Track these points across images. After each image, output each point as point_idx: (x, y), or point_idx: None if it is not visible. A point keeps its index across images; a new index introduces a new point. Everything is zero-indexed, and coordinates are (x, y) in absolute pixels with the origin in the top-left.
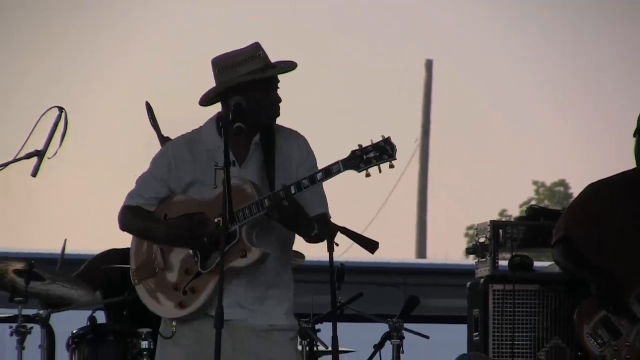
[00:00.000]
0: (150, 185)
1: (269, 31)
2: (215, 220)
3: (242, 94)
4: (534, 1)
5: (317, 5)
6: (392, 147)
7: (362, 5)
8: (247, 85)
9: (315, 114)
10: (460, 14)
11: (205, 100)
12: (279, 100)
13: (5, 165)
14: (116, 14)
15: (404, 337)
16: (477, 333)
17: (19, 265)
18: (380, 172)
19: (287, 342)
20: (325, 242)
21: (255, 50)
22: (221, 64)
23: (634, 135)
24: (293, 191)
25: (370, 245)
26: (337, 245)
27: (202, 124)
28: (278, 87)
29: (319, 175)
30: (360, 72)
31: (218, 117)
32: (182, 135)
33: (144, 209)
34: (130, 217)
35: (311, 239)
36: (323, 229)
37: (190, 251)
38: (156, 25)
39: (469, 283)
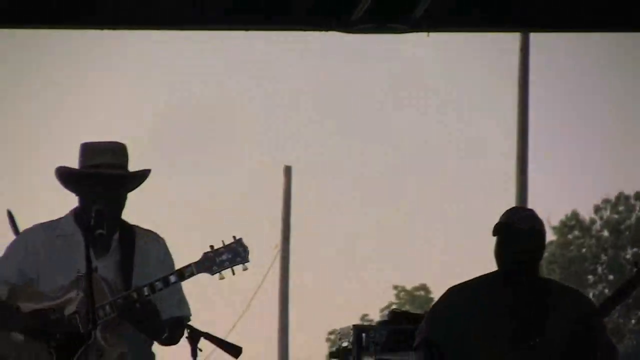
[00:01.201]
0: (3, 269)
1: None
2: (67, 317)
3: (94, 183)
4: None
5: (186, 110)
6: (245, 249)
7: (222, 110)
8: (97, 175)
9: (172, 220)
10: (318, 122)
11: (65, 175)
12: (120, 205)
13: None
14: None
15: None
16: None
17: None
18: (233, 274)
19: None
20: (189, 348)
21: (118, 148)
22: (85, 148)
23: (494, 234)
24: (146, 293)
25: (234, 350)
26: (200, 350)
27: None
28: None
29: (172, 278)
30: (221, 178)
31: (75, 212)
32: (39, 223)
33: None
34: None
35: (163, 342)
36: (174, 333)
37: (49, 351)
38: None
39: None
